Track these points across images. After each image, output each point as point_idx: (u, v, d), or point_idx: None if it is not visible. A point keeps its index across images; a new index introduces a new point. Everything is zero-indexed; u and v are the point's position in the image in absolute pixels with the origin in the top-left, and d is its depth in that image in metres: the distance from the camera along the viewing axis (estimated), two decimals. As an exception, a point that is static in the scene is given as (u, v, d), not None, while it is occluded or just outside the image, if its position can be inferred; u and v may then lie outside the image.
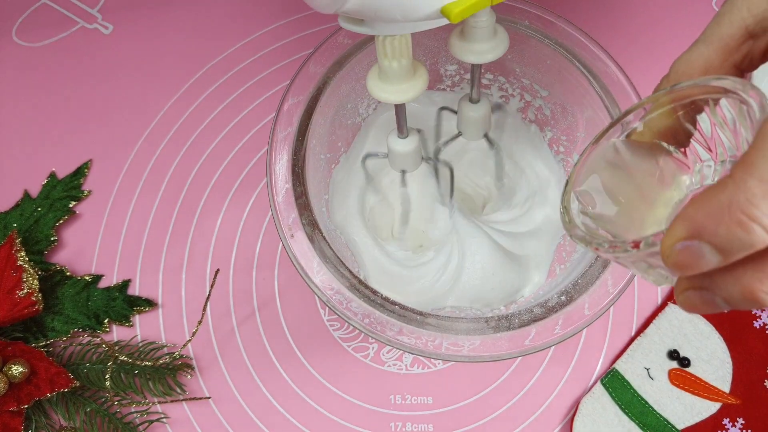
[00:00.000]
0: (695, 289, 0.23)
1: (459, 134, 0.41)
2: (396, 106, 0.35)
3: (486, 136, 0.41)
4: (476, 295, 0.43)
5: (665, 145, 0.27)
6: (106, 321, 0.47)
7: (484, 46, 0.33)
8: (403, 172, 0.40)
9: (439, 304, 0.44)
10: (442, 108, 0.44)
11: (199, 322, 0.45)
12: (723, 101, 0.24)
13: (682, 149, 0.27)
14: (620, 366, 0.46)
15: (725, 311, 0.26)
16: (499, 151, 0.44)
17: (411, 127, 0.37)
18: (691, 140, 0.27)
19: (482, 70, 0.46)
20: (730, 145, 0.24)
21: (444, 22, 0.27)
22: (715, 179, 0.26)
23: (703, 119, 0.26)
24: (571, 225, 0.26)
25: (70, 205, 0.50)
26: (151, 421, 0.45)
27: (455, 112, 0.41)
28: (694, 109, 0.26)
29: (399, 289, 0.44)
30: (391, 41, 0.30)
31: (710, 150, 0.26)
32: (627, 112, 0.28)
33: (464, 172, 0.48)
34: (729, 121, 0.24)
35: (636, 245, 0.22)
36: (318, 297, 0.36)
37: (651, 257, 0.23)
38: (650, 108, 0.27)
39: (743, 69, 0.27)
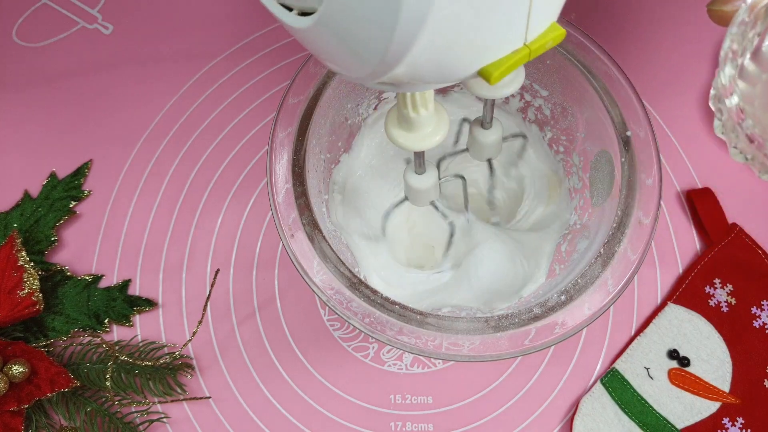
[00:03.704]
0: None
1: (465, 150, 0.40)
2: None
3: (488, 161, 0.40)
4: (482, 295, 0.43)
5: None
6: (106, 321, 0.47)
7: (505, 80, 0.31)
8: (433, 203, 0.39)
9: (442, 305, 0.44)
10: (464, 119, 0.43)
11: (199, 322, 0.45)
12: None
13: None
14: (620, 365, 0.46)
15: None
16: (496, 178, 0.44)
17: (430, 162, 0.36)
18: None
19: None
20: None
21: (473, 76, 0.26)
22: None
23: None
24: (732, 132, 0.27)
25: (71, 205, 0.50)
26: (152, 421, 0.45)
27: (461, 152, 0.40)
28: None
29: (401, 287, 0.44)
30: (413, 94, 0.28)
31: None
32: None
33: (473, 182, 0.48)
34: None
35: None
36: (318, 297, 0.36)
37: None
38: None
39: None
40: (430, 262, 0.46)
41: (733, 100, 0.30)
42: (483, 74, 0.24)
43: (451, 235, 0.43)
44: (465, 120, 0.43)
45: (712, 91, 0.33)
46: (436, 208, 0.40)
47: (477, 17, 0.21)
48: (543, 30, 0.24)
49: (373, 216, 0.45)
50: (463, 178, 0.43)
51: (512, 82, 0.32)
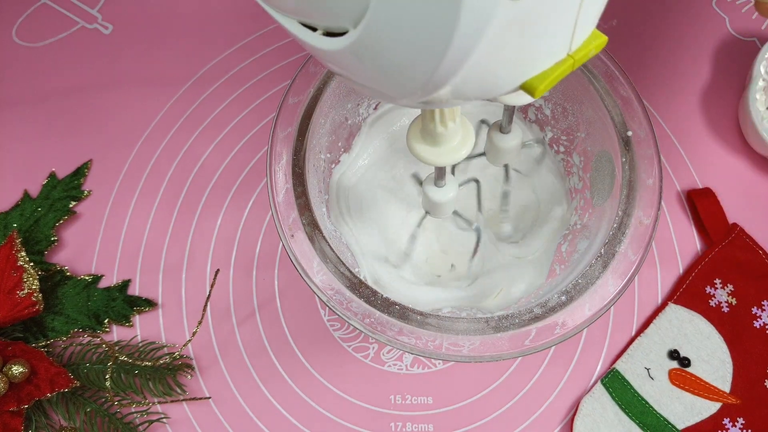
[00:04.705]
0: None
1: (482, 154, 0.39)
2: None
3: (505, 166, 0.39)
4: (482, 297, 0.43)
5: None
6: (106, 321, 0.47)
7: None
8: (455, 212, 0.39)
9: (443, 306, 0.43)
10: (482, 121, 0.42)
11: (199, 322, 0.45)
12: None
13: None
14: (620, 366, 0.46)
15: None
16: (510, 184, 0.43)
17: (451, 175, 0.35)
18: None
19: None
20: None
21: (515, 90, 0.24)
22: None
23: None
24: None
25: (70, 206, 0.50)
26: (151, 421, 0.45)
27: (477, 156, 0.38)
28: None
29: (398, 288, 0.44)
30: (442, 109, 0.27)
31: None
32: None
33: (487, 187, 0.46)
34: None
35: None
36: (318, 297, 0.36)
37: None
38: None
39: None
40: (447, 275, 0.46)
41: None
42: (527, 88, 0.23)
43: (478, 240, 0.42)
44: (483, 122, 0.42)
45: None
46: (459, 215, 0.39)
47: (528, 33, 0.20)
48: (586, 38, 0.23)
49: (393, 238, 0.44)
50: (477, 181, 0.42)
51: None
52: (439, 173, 0.34)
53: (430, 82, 0.20)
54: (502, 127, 0.36)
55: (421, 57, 0.19)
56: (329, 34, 0.21)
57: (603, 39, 0.23)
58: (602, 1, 0.22)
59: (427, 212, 0.38)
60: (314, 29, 0.22)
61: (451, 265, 0.45)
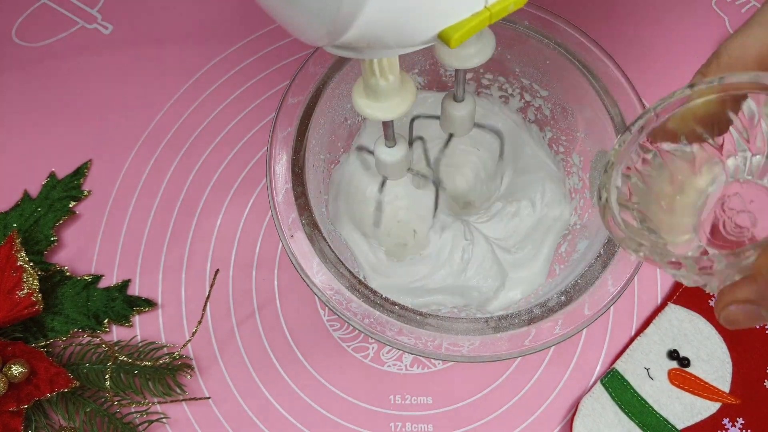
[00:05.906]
0: (739, 304, 0.21)
1: (451, 136, 0.40)
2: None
3: (449, 135, 0.40)
4: (472, 292, 0.44)
5: (702, 133, 0.27)
6: (105, 321, 0.47)
7: (470, 51, 0.32)
8: (384, 178, 0.39)
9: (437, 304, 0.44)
10: (415, 117, 0.43)
11: (199, 322, 0.45)
12: None
13: (716, 139, 0.27)
14: (620, 366, 0.46)
15: None
16: (447, 154, 0.43)
17: (400, 135, 0.36)
18: (730, 129, 0.26)
19: (481, 70, 0.46)
20: None
21: (432, 40, 0.25)
22: (753, 172, 0.26)
23: (747, 108, 0.26)
24: (609, 217, 0.27)
25: (70, 206, 0.50)
26: (151, 422, 0.45)
27: (433, 117, 0.39)
28: (740, 99, 0.25)
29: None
30: (379, 61, 0.28)
31: (748, 141, 0.26)
32: (662, 103, 0.28)
33: (452, 171, 0.47)
34: None
35: (677, 265, 0.23)
36: (318, 297, 0.36)
37: (689, 269, 0.23)
38: (693, 96, 0.27)
39: None
40: (411, 243, 0.46)
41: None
42: (442, 37, 0.23)
43: (436, 195, 0.42)
44: (416, 117, 0.42)
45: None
46: (414, 171, 0.40)
47: None
48: None
49: (364, 210, 0.45)
50: (422, 139, 0.42)
51: (480, 52, 0.32)
52: (386, 132, 0.35)
53: (338, 18, 0.21)
54: (455, 97, 0.37)
55: None
56: None
57: None
58: None
59: (385, 177, 0.39)
60: None
61: (414, 231, 0.46)
